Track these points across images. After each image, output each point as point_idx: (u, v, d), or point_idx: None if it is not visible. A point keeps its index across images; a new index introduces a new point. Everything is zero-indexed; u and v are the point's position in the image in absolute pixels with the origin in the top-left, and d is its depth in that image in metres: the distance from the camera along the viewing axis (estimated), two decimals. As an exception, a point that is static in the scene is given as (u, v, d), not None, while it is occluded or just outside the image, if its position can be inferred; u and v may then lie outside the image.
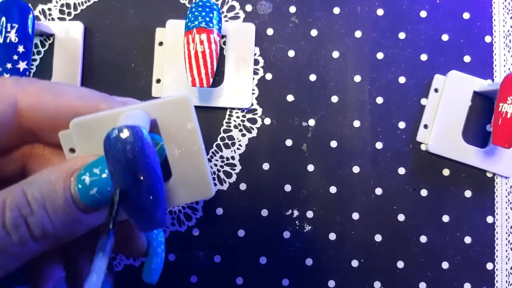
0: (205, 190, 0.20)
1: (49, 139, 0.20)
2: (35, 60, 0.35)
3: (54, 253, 0.21)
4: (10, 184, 0.17)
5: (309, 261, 0.34)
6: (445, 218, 0.34)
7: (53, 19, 0.36)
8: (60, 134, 0.19)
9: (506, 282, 0.34)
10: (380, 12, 0.36)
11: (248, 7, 0.36)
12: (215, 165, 0.35)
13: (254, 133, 0.35)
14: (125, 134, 0.15)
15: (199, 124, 0.19)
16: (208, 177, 0.20)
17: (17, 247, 0.16)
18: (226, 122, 0.35)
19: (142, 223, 0.17)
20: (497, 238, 0.34)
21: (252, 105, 0.35)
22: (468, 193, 0.34)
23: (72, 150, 0.19)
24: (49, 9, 0.36)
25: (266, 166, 0.35)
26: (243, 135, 0.35)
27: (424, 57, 0.35)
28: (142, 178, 0.16)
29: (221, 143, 0.35)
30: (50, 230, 0.17)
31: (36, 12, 0.35)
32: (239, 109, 0.35)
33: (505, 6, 0.36)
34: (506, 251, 0.34)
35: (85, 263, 0.21)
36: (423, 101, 0.35)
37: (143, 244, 0.22)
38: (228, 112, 0.35)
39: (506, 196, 0.35)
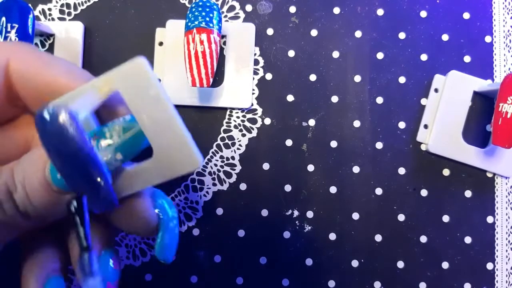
0: (189, 160, 0.18)
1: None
2: (35, 60, 0.35)
3: (48, 243, 0.21)
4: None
5: (309, 261, 0.34)
6: (445, 218, 0.34)
7: (53, 19, 0.36)
8: None
9: (506, 282, 0.34)
10: (380, 12, 0.36)
11: (248, 7, 0.36)
12: (215, 165, 0.35)
13: (254, 133, 0.35)
14: (45, 115, 0.15)
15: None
16: (189, 145, 0.18)
17: (6, 218, 0.17)
18: (226, 122, 0.35)
19: (91, 203, 0.17)
20: (497, 238, 0.34)
21: (252, 105, 0.35)
22: (468, 193, 0.34)
23: None
24: (49, 9, 0.36)
25: (266, 166, 0.35)
26: (243, 135, 0.35)
27: (424, 57, 0.35)
28: (68, 159, 0.15)
29: (221, 143, 0.35)
30: (30, 209, 0.17)
31: (36, 12, 0.35)
32: (239, 109, 0.35)
33: (505, 6, 0.36)
34: (506, 251, 0.34)
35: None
36: (423, 101, 0.35)
37: (151, 219, 0.20)
38: (228, 112, 0.35)
39: (506, 196, 0.35)
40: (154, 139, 0.18)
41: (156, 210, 0.21)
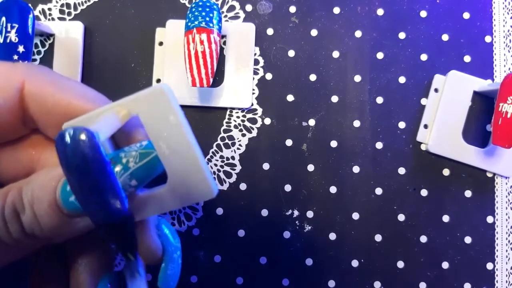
0: (204, 190, 0.18)
1: (48, 132, 0.20)
2: (35, 60, 0.35)
3: (53, 261, 0.21)
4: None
5: (309, 261, 0.34)
6: (445, 218, 0.34)
7: (53, 19, 0.36)
8: None
9: (506, 282, 0.34)
10: (380, 12, 0.36)
11: (248, 7, 0.36)
12: (215, 165, 0.35)
13: (254, 133, 0.35)
14: (66, 135, 0.15)
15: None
16: (205, 176, 0.18)
17: (11, 241, 0.17)
18: (226, 122, 0.35)
19: (91, 214, 0.17)
20: (497, 238, 0.34)
21: (252, 105, 0.35)
22: (468, 193, 0.34)
23: None
24: (49, 9, 0.36)
25: (266, 166, 0.35)
26: (243, 135, 0.35)
27: (424, 57, 0.35)
28: (86, 181, 0.15)
29: (221, 143, 0.35)
30: (37, 231, 0.17)
31: (36, 12, 0.35)
32: (239, 109, 0.35)
33: (505, 6, 0.36)
34: (506, 251, 0.34)
35: (86, 277, 0.21)
36: (423, 101, 0.35)
37: (157, 249, 0.21)
38: (228, 112, 0.35)
39: (506, 196, 0.35)
40: (170, 166, 0.18)
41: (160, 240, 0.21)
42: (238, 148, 0.35)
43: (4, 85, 0.18)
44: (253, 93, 0.35)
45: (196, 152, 0.18)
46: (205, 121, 0.35)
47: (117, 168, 0.17)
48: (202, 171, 0.18)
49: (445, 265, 0.34)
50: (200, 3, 0.32)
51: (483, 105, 0.35)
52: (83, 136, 0.15)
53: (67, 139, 0.15)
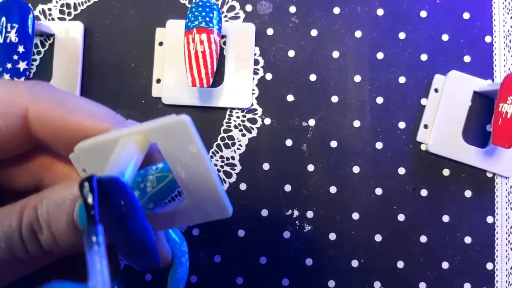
0: (221, 211, 0.19)
1: (60, 151, 0.20)
2: (35, 60, 0.35)
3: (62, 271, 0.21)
4: (24, 196, 0.18)
5: (309, 261, 0.34)
6: (445, 218, 0.34)
7: (53, 19, 0.36)
8: (71, 156, 0.19)
9: (506, 282, 0.34)
10: (380, 12, 0.36)
11: (248, 7, 0.36)
12: (215, 165, 0.35)
13: (254, 133, 0.35)
14: (93, 185, 0.14)
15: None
16: (222, 198, 0.18)
17: (29, 258, 0.17)
18: (226, 122, 0.35)
19: (133, 262, 0.17)
20: (497, 238, 0.34)
21: (252, 105, 0.35)
22: (468, 193, 0.34)
23: (85, 171, 0.19)
24: (49, 9, 0.36)
25: (266, 166, 0.35)
26: (243, 135, 0.35)
27: (424, 57, 0.35)
28: (118, 231, 0.15)
29: (221, 143, 0.35)
30: (55, 249, 0.17)
31: (36, 12, 0.35)
32: (239, 109, 0.35)
33: (505, 6, 0.36)
34: (506, 251, 0.34)
35: None
36: (423, 101, 0.35)
37: (167, 254, 0.22)
38: (228, 112, 0.35)
39: (506, 196, 0.35)
40: (187, 188, 0.18)
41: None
42: (238, 148, 0.35)
43: (5, 111, 0.18)
44: (253, 93, 0.35)
45: (215, 179, 0.18)
46: (205, 121, 0.35)
47: (136, 194, 0.17)
48: (220, 195, 0.18)
49: (445, 265, 0.34)
50: (200, 3, 0.32)
51: (483, 105, 0.35)
52: (113, 184, 0.14)
53: (95, 190, 0.14)
